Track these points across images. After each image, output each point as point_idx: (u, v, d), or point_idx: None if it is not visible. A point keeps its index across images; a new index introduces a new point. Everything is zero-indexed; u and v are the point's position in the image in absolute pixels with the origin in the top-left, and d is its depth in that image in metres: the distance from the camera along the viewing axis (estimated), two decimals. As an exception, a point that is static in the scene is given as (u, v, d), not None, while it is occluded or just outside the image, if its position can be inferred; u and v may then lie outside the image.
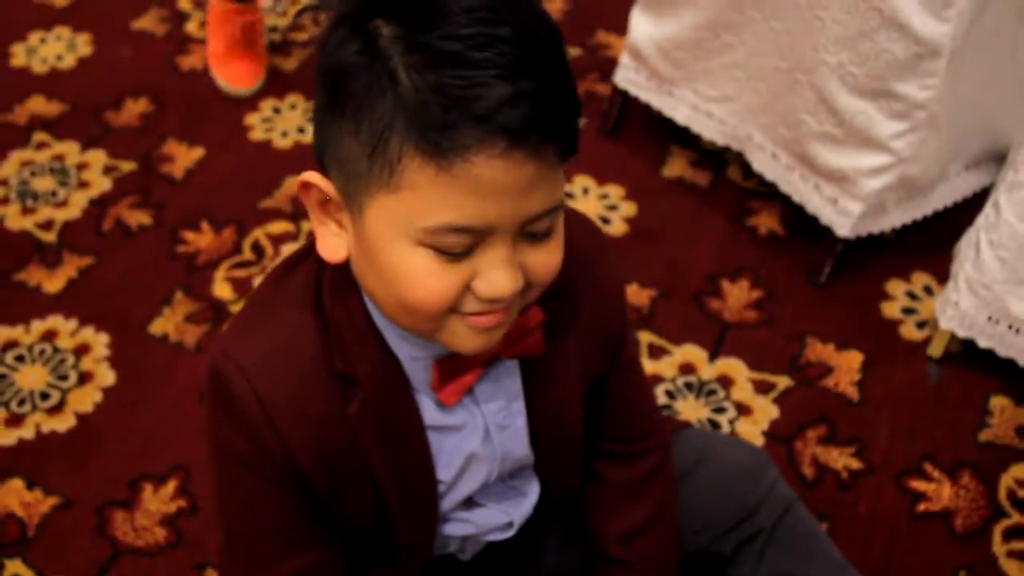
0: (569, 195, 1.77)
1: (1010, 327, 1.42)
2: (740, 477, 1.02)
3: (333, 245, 0.74)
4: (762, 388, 1.48)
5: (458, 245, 0.68)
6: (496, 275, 0.70)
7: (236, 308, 1.57)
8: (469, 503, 0.91)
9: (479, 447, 0.84)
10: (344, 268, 0.77)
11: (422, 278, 0.69)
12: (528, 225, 0.70)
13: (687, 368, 1.51)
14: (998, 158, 1.67)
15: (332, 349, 0.77)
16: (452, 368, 0.79)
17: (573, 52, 2.07)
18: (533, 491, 0.93)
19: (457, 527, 0.92)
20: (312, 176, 0.72)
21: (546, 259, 0.73)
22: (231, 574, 0.89)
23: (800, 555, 1.03)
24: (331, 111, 0.69)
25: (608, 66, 1.94)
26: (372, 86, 0.66)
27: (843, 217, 1.56)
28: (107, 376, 1.48)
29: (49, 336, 1.53)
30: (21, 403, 1.45)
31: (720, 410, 1.45)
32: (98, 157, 1.83)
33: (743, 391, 1.48)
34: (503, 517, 0.92)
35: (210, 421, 0.80)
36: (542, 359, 0.83)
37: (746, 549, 1.03)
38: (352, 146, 0.68)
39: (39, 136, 1.87)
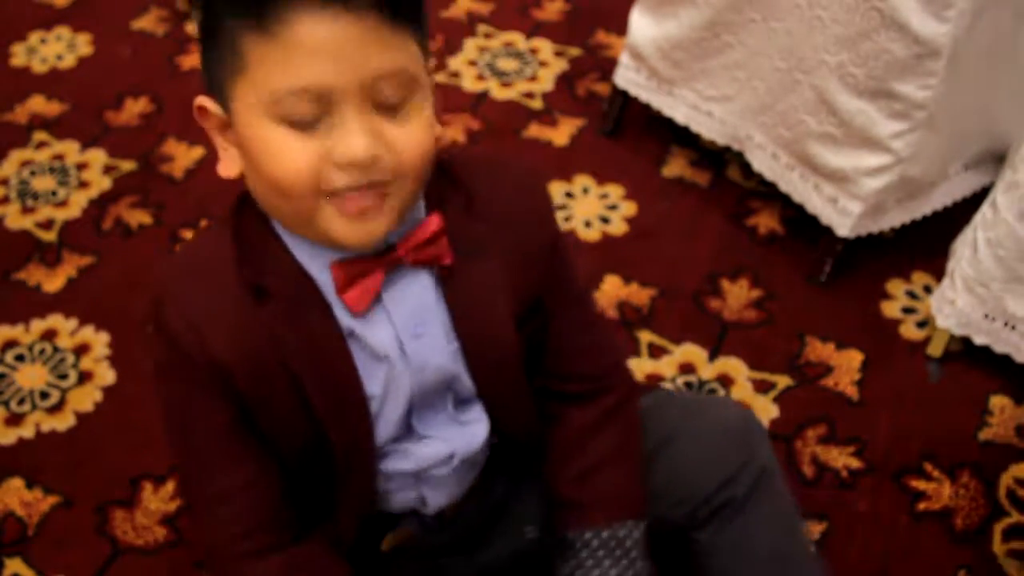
0: (569, 195, 1.77)
1: (1006, 324, 1.42)
2: (724, 441, 0.99)
3: (227, 162, 0.81)
4: (762, 387, 1.48)
5: (306, 112, 0.72)
6: (348, 138, 0.73)
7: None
8: (412, 437, 0.90)
9: (394, 355, 0.85)
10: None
11: (279, 152, 0.74)
12: (375, 93, 0.73)
13: (687, 368, 1.51)
14: (998, 158, 1.67)
15: (243, 262, 0.82)
16: (351, 268, 0.81)
17: (573, 52, 2.08)
18: (479, 425, 0.92)
19: (398, 461, 0.91)
20: (202, 99, 0.78)
21: (407, 135, 0.75)
22: (181, 492, 0.91)
23: (763, 529, 0.99)
24: (201, 39, 0.77)
25: (608, 66, 1.94)
26: None
27: (843, 217, 1.56)
28: (107, 375, 1.48)
29: (49, 335, 1.54)
30: (21, 402, 1.45)
31: (720, 409, 1.45)
32: (98, 157, 1.83)
33: (743, 390, 1.48)
34: (443, 448, 0.91)
35: (152, 343, 0.85)
36: (460, 275, 0.85)
37: (715, 516, 1.00)
38: (212, 55, 0.75)
39: (39, 136, 1.87)
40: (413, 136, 0.76)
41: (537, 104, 1.96)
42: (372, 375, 0.85)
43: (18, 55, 2.05)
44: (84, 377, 1.48)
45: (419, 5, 0.77)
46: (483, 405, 0.92)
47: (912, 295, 1.62)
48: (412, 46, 0.75)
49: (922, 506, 1.35)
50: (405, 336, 0.85)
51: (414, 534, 0.96)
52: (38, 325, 1.55)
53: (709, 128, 1.72)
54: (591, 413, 0.96)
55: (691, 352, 1.53)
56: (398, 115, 0.75)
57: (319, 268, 0.82)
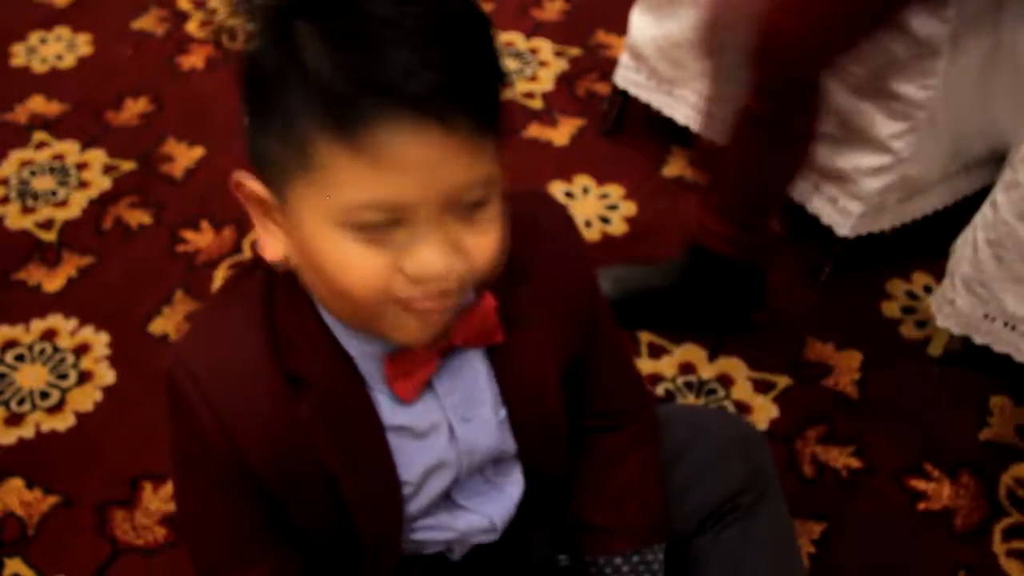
0: (569, 195, 1.77)
1: (1006, 324, 1.42)
2: (732, 453, 1.00)
3: (271, 244, 0.73)
4: (762, 387, 1.48)
5: (380, 222, 0.66)
6: (423, 253, 0.67)
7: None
8: (449, 505, 0.89)
9: (444, 443, 0.83)
10: (295, 270, 0.76)
11: (349, 261, 0.68)
12: (454, 202, 0.67)
13: (687, 367, 1.51)
14: (998, 158, 1.67)
15: (282, 351, 0.76)
16: (405, 360, 0.77)
17: (573, 52, 2.08)
18: (515, 487, 0.92)
19: (437, 533, 0.90)
20: (241, 175, 0.72)
21: (482, 240, 0.70)
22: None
23: (759, 538, 1.00)
24: (253, 110, 0.69)
25: (608, 66, 1.94)
26: (284, 76, 0.65)
27: (843, 217, 1.56)
28: (107, 375, 1.48)
29: (49, 335, 1.54)
30: (21, 402, 1.45)
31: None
32: (98, 157, 1.83)
33: (743, 390, 1.48)
34: (484, 521, 0.90)
35: (169, 427, 0.80)
36: (509, 346, 0.81)
37: (717, 524, 1.00)
38: (270, 138, 0.68)
39: (39, 136, 1.87)
40: (487, 242, 0.71)
41: (537, 104, 1.96)
42: (411, 463, 0.82)
43: (18, 55, 2.04)
44: (84, 377, 1.48)
45: (503, 108, 0.70)
46: (521, 463, 0.91)
47: (912, 295, 1.62)
48: (492, 148, 0.69)
49: (922, 506, 1.35)
50: (456, 421, 0.82)
51: (435, 566, 0.97)
52: (38, 325, 1.55)
53: (709, 128, 1.72)
54: (618, 441, 0.96)
55: (691, 352, 1.53)
56: (473, 219, 0.69)
57: (363, 355, 0.77)
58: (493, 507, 0.91)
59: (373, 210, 0.66)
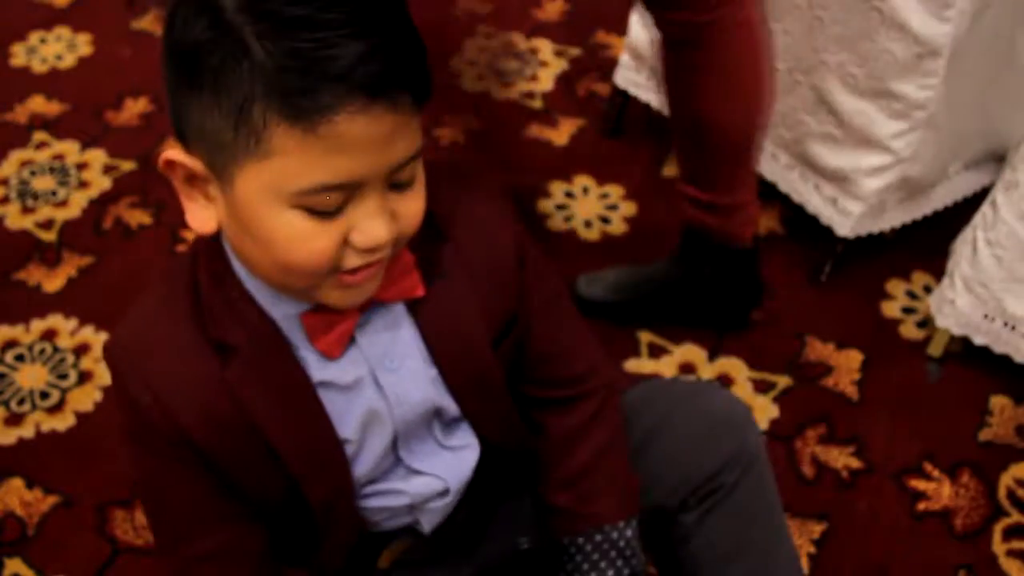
0: (569, 195, 1.77)
1: (1006, 324, 1.42)
2: (715, 429, 0.99)
3: (203, 218, 0.75)
4: (762, 387, 1.48)
5: (332, 203, 0.70)
6: (371, 225, 0.72)
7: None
8: (401, 470, 0.89)
9: (371, 393, 0.84)
10: (215, 239, 0.79)
11: (301, 239, 0.71)
12: (394, 175, 0.72)
13: (687, 367, 1.51)
14: (998, 158, 1.67)
15: (207, 321, 0.79)
16: (326, 317, 0.79)
17: (573, 52, 2.08)
18: (470, 452, 0.92)
19: (391, 499, 0.90)
20: (175, 154, 0.73)
21: (413, 205, 0.75)
22: (157, 552, 0.90)
23: (746, 516, 0.99)
24: (187, 89, 0.70)
25: (608, 66, 1.94)
26: (226, 60, 0.67)
27: (843, 217, 1.56)
28: (107, 375, 1.47)
29: (49, 335, 1.54)
30: (21, 402, 1.45)
31: (720, 409, 1.45)
32: (98, 157, 1.83)
33: (743, 390, 1.48)
34: (437, 483, 0.90)
35: (115, 406, 0.82)
36: (432, 300, 0.84)
37: (702, 502, 1.00)
38: (215, 120, 0.69)
39: (39, 136, 1.87)
40: (417, 204, 0.76)
41: (537, 104, 1.96)
42: (347, 418, 0.84)
43: (18, 55, 2.05)
44: (84, 377, 1.48)
45: (431, 82, 0.74)
46: (469, 425, 0.91)
47: (912, 295, 1.62)
48: (419, 122, 0.74)
49: (922, 506, 1.35)
50: (380, 372, 0.84)
51: (410, 547, 0.96)
52: (38, 325, 1.55)
53: (709, 128, 1.72)
54: (574, 419, 0.96)
55: (691, 352, 1.53)
56: (405, 187, 0.74)
57: (284, 315, 0.80)
58: (446, 469, 0.91)
59: (329, 192, 0.69)
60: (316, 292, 0.75)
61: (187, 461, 0.81)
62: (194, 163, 0.73)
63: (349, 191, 0.70)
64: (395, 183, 0.73)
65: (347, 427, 0.84)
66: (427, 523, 0.94)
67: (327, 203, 0.70)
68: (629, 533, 0.95)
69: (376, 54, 0.66)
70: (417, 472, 0.90)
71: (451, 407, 0.88)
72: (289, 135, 0.67)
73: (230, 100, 0.67)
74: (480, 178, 0.91)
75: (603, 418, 0.96)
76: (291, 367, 0.80)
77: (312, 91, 0.65)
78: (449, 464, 0.91)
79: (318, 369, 0.81)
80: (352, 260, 0.73)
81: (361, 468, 0.86)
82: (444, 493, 0.91)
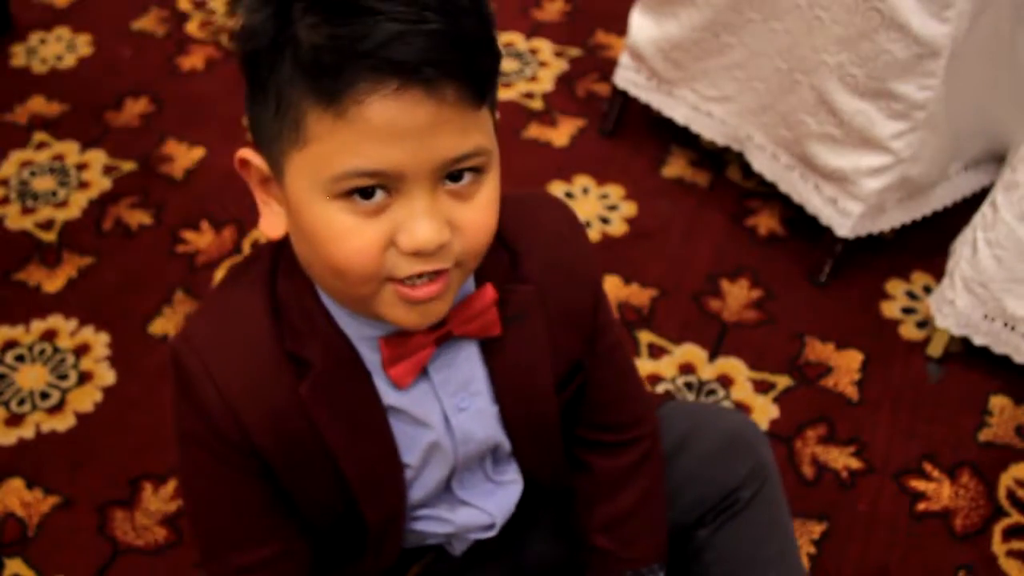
0: (569, 195, 1.77)
1: (1006, 324, 1.42)
2: (732, 448, 1.00)
3: (273, 222, 0.74)
4: (762, 388, 1.48)
5: (369, 187, 0.67)
6: (415, 224, 0.68)
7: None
8: (450, 498, 0.90)
9: (439, 429, 0.83)
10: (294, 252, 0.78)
11: (343, 236, 0.68)
12: (444, 173, 0.68)
13: (687, 368, 1.51)
14: (998, 158, 1.67)
15: (284, 330, 0.77)
16: (400, 345, 0.78)
17: (573, 52, 2.08)
18: (515, 487, 0.92)
19: (436, 525, 0.91)
20: (246, 152, 0.72)
21: (475, 218, 0.71)
22: (201, 563, 0.89)
23: (760, 531, 1.01)
24: (249, 85, 0.70)
25: (608, 66, 1.94)
26: (275, 50, 0.66)
27: (843, 217, 1.56)
28: (107, 376, 1.48)
29: (49, 336, 1.54)
30: (21, 403, 1.45)
31: (720, 410, 1.45)
32: (98, 157, 1.83)
33: (743, 391, 1.48)
34: (484, 517, 0.91)
35: (174, 406, 0.80)
36: (506, 342, 0.82)
37: (717, 517, 1.01)
38: (265, 112, 0.68)
39: (39, 136, 1.87)
40: (480, 217, 0.71)
41: (537, 104, 1.96)
42: (411, 446, 0.83)
43: (18, 55, 2.05)
44: (84, 377, 1.48)
45: (497, 78, 0.71)
46: (517, 463, 0.92)
47: (912, 295, 1.62)
48: (487, 121, 0.70)
49: (922, 506, 1.35)
50: (451, 410, 0.83)
51: (436, 558, 0.98)
52: (38, 325, 1.55)
53: (709, 128, 1.72)
54: (621, 462, 0.96)
55: (691, 352, 1.53)
56: (466, 196, 0.70)
57: (362, 339, 0.78)
58: (493, 504, 0.92)
59: (361, 177, 0.66)
60: (377, 305, 0.72)
61: (248, 470, 0.79)
62: (260, 161, 0.72)
63: (387, 183, 0.67)
64: (453, 188, 0.69)
65: (410, 454, 0.83)
66: (459, 547, 0.95)
67: (365, 187, 0.67)
68: (660, 574, 0.97)
69: (415, 35, 0.63)
70: (464, 503, 0.90)
71: (506, 444, 0.88)
72: (321, 120, 0.65)
73: (275, 89, 0.67)
74: (561, 214, 0.88)
75: (649, 464, 0.97)
76: (364, 389, 0.79)
77: (339, 70, 0.63)
78: (495, 498, 0.92)
79: (389, 394, 0.80)
80: (403, 267, 0.70)
81: (416, 494, 0.86)
82: (489, 527, 0.92)
